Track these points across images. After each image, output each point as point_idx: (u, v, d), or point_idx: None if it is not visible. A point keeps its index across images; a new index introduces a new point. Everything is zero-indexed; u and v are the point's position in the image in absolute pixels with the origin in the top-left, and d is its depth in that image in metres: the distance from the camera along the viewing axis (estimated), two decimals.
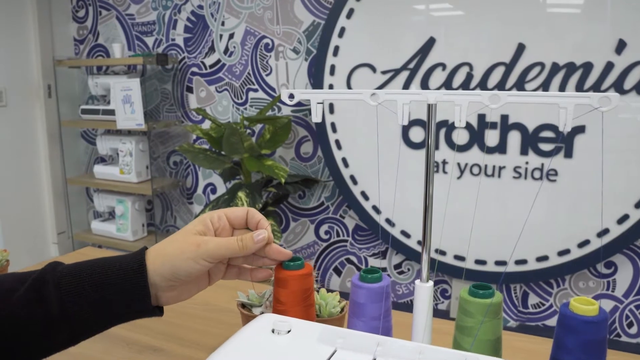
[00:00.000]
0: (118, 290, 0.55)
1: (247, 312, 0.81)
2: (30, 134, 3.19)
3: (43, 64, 3.18)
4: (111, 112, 2.95)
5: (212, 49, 2.92)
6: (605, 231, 2.09)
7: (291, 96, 0.53)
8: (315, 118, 0.54)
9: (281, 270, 0.59)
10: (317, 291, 0.85)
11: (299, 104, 2.67)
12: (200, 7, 2.90)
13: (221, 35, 2.88)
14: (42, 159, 3.26)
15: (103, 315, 0.56)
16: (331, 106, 2.50)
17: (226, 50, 2.88)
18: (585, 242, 2.13)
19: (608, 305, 2.25)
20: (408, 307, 2.63)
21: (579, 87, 2.06)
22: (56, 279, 0.55)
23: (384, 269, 2.67)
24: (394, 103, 0.46)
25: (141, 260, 0.56)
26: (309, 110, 2.66)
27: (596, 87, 2.04)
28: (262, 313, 0.81)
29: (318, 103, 0.52)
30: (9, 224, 3.06)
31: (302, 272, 0.58)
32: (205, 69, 2.96)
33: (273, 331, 0.49)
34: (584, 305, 0.52)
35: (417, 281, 0.54)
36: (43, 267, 0.57)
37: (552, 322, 2.36)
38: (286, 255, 0.60)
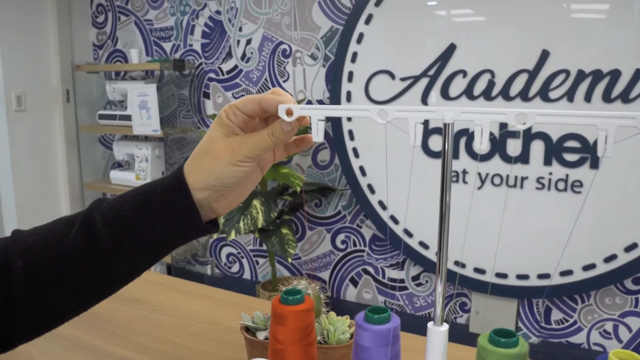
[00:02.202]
0: (165, 213, 0.54)
1: (251, 336, 0.76)
2: (48, 139, 3.20)
3: (62, 69, 3.18)
4: (128, 118, 2.93)
5: (229, 55, 2.89)
6: (633, 246, 2.00)
7: (289, 112, 0.48)
8: (317, 137, 0.49)
9: (279, 305, 0.54)
10: (327, 313, 0.80)
11: None
12: (218, 12, 2.88)
13: (238, 41, 2.85)
14: (60, 163, 3.26)
15: (157, 242, 0.55)
16: None
17: (243, 56, 2.84)
18: (612, 257, 2.04)
19: (636, 323, 2.16)
20: (426, 322, 2.56)
21: (606, 96, 1.98)
22: (103, 215, 0.54)
23: (402, 281, 2.60)
24: (405, 121, 0.41)
25: (180, 179, 0.55)
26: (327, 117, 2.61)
27: (624, 96, 1.96)
28: (266, 338, 0.76)
29: (319, 120, 0.47)
30: (26, 228, 3.06)
31: (302, 307, 0.53)
32: (222, 74, 2.93)
33: None
34: None
35: (430, 324, 0.48)
36: (89, 206, 0.57)
37: (576, 339, 2.27)
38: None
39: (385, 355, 0.48)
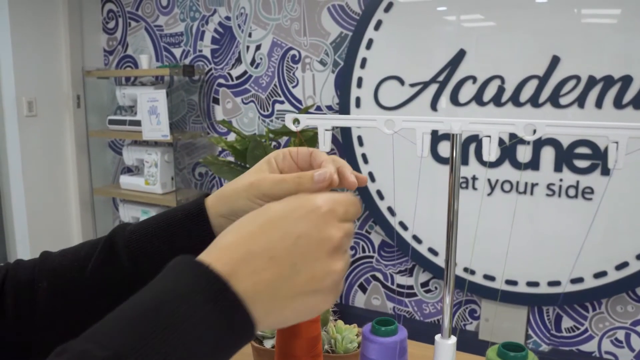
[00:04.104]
0: (185, 238, 0.54)
1: (257, 344, 0.76)
2: (58, 144, 3.22)
3: (73, 74, 3.20)
4: (138, 123, 2.94)
5: (238, 61, 2.90)
6: None
7: (296, 122, 0.48)
8: (323, 147, 0.48)
9: None
10: (334, 321, 0.79)
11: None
12: (228, 18, 2.89)
13: (248, 47, 2.85)
14: (70, 168, 3.28)
15: None
16: None
17: (253, 61, 2.85)
18: (624, 264, 2.02)
19: None
20: (435, 329, 2.54)
21: (618, 102, 1.97)
22: (125, 237, 0.55)
23: (411, 287, 2.59)
24: (412, 131, 0.40)
25: (200, 205, 0.55)
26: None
27: (636, 102, 1.94)
28: (273, 347, 0.76)
29: (326, 130, 0.47)
30: (36, 233, 3.08)
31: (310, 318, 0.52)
32: (232, 80, 2.94)
33: None
34: None
35: (438, 336, 0.48)
36: (113, 229, 0.58)
37: (587, 347, 2.24)
38: (362, 179, 0.54)
39: None
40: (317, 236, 0.39)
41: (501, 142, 2.13)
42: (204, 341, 0.36)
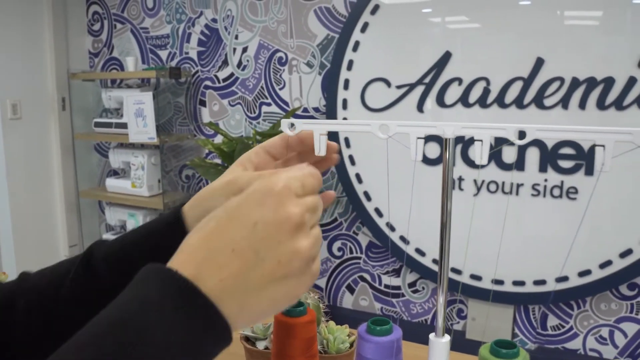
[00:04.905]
0: (165, 247, 0.49)
1: (250, 345, 0.77)
2: (44, 147, 3.19)
3: (58, 76, 3.18)
4: (124, 126, 2.93)
5: (225, 63, 2.90)
6: (628, 252, 2.01)
7: (292, 126, 0.48)
8: (319, 152, 0.49)
9: (282, 317, 0.54)
10: (327, 322, 0.80)
11: (311, 117, 2.62)
12: (214, 20, 2.89)
13: (235, 49, 2.85)
14: (55, 171, 3.25)
15: None
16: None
17: (239, 64, 2.85)
18: (608, 263, 2.05)
19: (632, 329, 2.17)
20: (423, 329, 2.56)
21: (600, 103, 2.00)
22: (103, 251, 0.54)
23: (398, 287, 2.60)
24: (405, 135, 0.41)
25: (177, 212, 0.54)
26: None
27: (618, 103, 1.98)
28: (266, 348, 0.76)
29: (321, 135, 0.48)
30: (21, 236, 3.05)
31: (306, 319, 0.53)
32: (219, 82, 2.94)
33: None
34: None
35: (432, 335, 0.49)
36: (90, 245, 0.57)
37: (573, 345, 2.27)
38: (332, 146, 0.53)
39: None
40: (274, 218, 0.38)
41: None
42: (178, 350, 0.34)
